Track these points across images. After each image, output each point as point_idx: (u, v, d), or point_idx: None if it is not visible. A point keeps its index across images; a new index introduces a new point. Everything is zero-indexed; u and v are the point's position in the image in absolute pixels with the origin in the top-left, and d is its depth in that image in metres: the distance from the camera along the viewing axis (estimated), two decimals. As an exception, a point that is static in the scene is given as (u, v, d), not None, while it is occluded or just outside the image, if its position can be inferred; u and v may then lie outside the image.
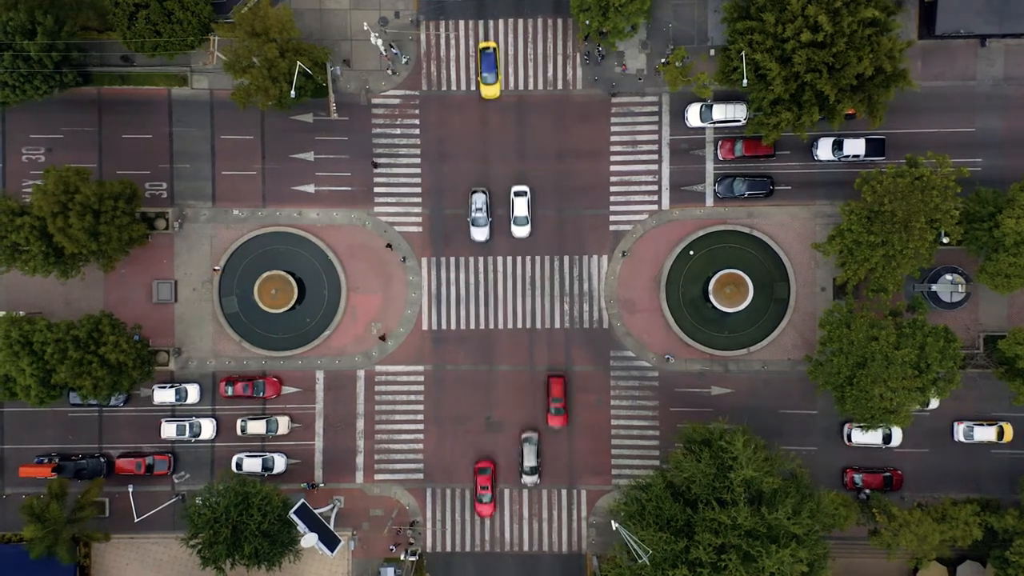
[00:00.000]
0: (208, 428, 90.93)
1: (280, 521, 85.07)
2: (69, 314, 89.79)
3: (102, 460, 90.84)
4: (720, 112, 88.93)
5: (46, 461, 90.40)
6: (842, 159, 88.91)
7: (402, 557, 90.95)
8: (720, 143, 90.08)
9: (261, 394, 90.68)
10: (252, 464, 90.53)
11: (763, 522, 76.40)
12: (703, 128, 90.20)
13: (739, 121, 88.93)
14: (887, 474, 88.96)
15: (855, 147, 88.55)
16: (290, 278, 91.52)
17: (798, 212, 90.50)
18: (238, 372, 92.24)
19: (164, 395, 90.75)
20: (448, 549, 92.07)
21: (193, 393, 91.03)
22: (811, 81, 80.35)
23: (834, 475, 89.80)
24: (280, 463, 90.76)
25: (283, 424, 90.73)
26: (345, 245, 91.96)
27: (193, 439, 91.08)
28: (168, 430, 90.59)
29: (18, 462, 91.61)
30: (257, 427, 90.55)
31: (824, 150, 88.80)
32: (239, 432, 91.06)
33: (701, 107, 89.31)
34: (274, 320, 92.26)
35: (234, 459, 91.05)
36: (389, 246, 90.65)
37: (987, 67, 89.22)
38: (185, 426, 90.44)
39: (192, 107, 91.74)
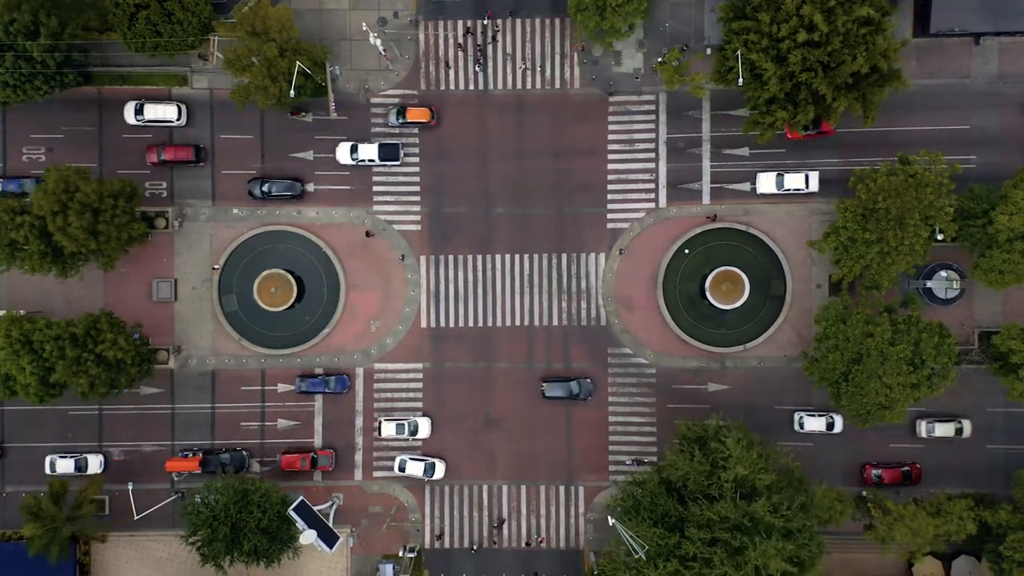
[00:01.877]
0: (425, 427, 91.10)
1: (279, 518, 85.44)
2: (70, 313, 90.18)
3: (244, 454, 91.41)
4: (151, 112, 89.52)
5: (190, 455, 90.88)
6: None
7: (400, 554, 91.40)
8: (147, 148, 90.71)
9: None
10: (415, 467, 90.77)
11: (747, 516, 76.73)
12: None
13: (172, 121, 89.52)
14: (906, 468, 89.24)
15: (369, 152, 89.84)
16: (289, 276, 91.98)
17: (794, 209, 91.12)
18: (238, 370, 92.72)
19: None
20: (447, 545, 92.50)
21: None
22: (806, 80, 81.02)
23: (833, 470, 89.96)
24: (439, 467, 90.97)
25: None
26: (344, 243, 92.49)
27: (411, 438, 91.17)
28: (388, 429, 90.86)
29: (18, 460, 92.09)
30: None
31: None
32: None
33: (135, 105, 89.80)
34: (273, 318, 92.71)
35: (397, 460, 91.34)
36: (369, 234, 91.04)
37: (981, 65, 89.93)
38: (404, 425, 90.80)
39: (192, 106, 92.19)
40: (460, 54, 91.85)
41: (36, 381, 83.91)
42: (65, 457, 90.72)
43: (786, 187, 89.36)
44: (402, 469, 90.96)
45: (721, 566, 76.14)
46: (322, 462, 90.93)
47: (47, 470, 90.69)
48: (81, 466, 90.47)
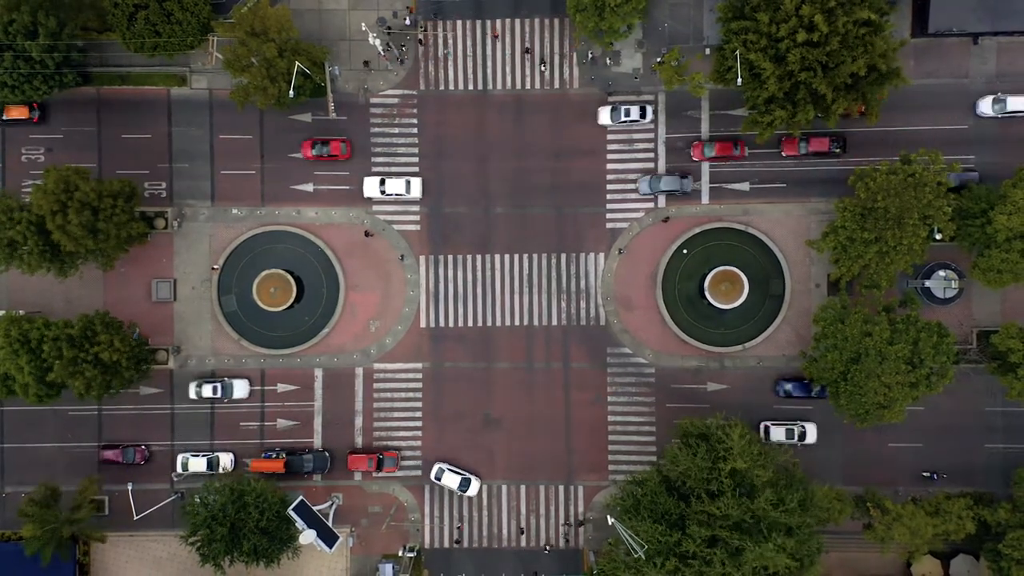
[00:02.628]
0: (812, 432, 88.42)
1: (279, 518, 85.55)
2: (69, 313, 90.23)
3: (326, 455, 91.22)
4: None
5: (274, 456, 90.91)
6: None
7: (400, 553, 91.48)
8: None
9: None
10: (451, 480, 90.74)
11: (750, 513, 77.11)
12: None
13: None
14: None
15: None
16: (289, 277, 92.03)
17: (792, 209, 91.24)
18: (238, 370, 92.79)
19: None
20: (446, 545, 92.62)
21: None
22: (805, 80, 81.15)
23: (832, 469, 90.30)
24: (474, 484, 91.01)
25: None
26: (343, 243, 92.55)
27: (799, 444, 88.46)
28: (777, 433, 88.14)
29: (19, 460, 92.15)
30: None
31: None
32: None
33: None
34: (273, 318, 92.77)
35: (435, 468, 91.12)
36: (368, 234, 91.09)
37: (980, 64, 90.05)
38: (792, 429, 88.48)
39: (191, 107, 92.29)
40: (458, 54, 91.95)
41: (34, 381, 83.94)
42: (197, 456, 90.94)
43: (389, 192, 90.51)
44: (438, 478, 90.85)
45: (722, 566, 76.37)
46: (387, 463, 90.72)
47: (179, 469, 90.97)
48: (213, 464, 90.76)
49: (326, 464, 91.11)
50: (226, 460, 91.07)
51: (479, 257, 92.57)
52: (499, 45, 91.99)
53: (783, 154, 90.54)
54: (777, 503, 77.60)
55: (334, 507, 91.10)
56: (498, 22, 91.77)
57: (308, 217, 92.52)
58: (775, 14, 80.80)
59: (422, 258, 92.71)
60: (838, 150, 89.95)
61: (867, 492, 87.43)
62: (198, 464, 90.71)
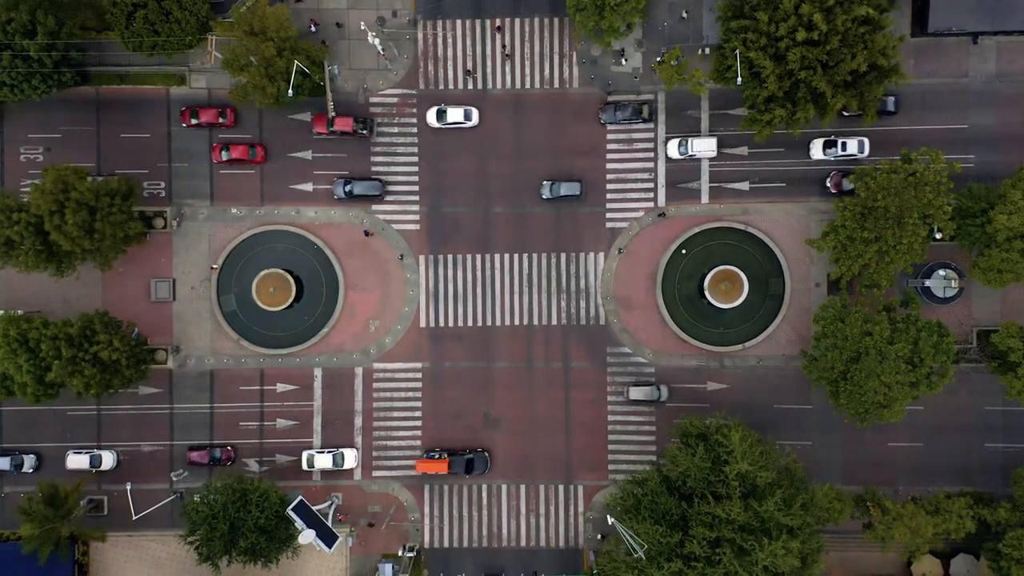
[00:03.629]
0: None
1: (278, 517, 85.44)
2: (68, 313, 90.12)
3: (486, 455, 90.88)
4: None
5: (436, 456, 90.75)
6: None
7: (400, 553, 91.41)
8: None
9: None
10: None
11: (756, 516, 77.16)
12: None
13: None
14: None
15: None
16: (288, 276, 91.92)
17: (792, 209, 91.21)
18: (237, 370, 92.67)
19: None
20: (446, 545, 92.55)
21: None
22: (805, 78, 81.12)
23: (832, 469, 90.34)
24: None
25: None
26: (343, 243, 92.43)
27: None
28: None
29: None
30: None
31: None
32: None
33: None
34: (272, 318, 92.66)
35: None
36: (367, 233, 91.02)
37: (979, 64, 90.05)
38: None
39: (190, 106, 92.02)
40: (457, 53, 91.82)
41: (33, 381, 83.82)
42: (323, 452, 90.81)
43: None
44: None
45: (730, 565, 76.24)
46: None
47: (304, 466, 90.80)
48: (337, 460, 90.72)
49: (486, 465, 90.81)
50: (350, 456, 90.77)
51: (479, 257, 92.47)
52: (499, 45, 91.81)
53: (314, 131, 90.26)
54: (784, 506, 77.54)
55: (334, 507, 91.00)
56: (497, 20, 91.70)
57: (307, 217, 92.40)
58: (774, 13, 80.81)
59: (421, 257, 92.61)
60: (364, 132, 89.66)
61: (867, 492, 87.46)
62: (324, 461, 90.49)
